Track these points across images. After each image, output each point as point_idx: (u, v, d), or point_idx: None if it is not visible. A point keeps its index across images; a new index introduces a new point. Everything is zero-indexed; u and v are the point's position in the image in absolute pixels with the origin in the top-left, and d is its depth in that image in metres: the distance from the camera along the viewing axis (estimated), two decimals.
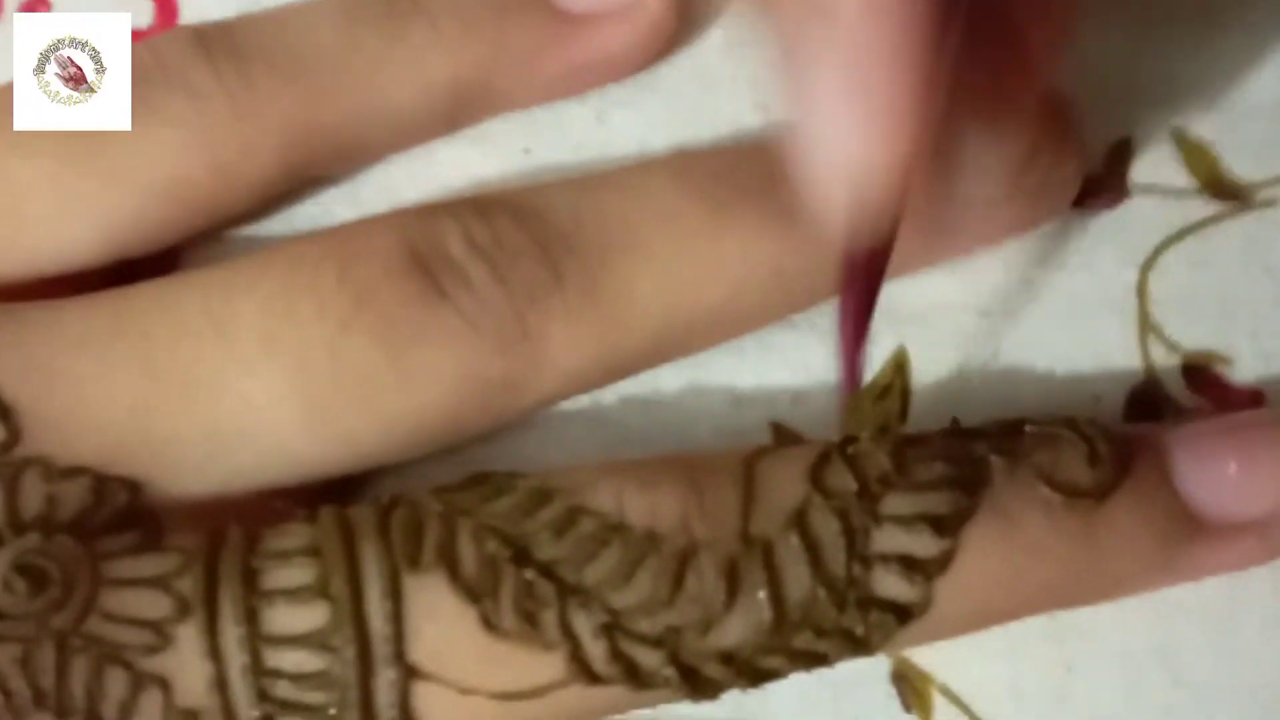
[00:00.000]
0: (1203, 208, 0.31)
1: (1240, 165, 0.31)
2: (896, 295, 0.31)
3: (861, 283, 0.25)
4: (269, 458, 0.28)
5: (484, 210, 0.29)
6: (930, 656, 0.30)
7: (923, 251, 0.30)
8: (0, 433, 0.27)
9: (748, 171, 0.29)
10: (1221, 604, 0.30)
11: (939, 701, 0.30)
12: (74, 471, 0.27)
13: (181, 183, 0.29)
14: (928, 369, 0.31)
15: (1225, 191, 0.31)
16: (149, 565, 0.26)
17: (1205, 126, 0.31)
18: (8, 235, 0.29)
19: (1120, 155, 0.32)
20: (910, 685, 0.30)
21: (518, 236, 0.28)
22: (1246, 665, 0.30)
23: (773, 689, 0.29)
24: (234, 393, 0.27)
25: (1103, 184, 0.31)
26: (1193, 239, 0.31)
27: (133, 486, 0.27)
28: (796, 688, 0.29)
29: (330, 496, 0.28)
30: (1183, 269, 0.31)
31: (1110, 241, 0.31)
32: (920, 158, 0.22)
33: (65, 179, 0.28)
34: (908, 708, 0.30)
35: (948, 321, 0.31)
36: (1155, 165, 0.31)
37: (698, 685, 0.26)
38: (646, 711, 0.29)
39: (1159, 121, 0.32)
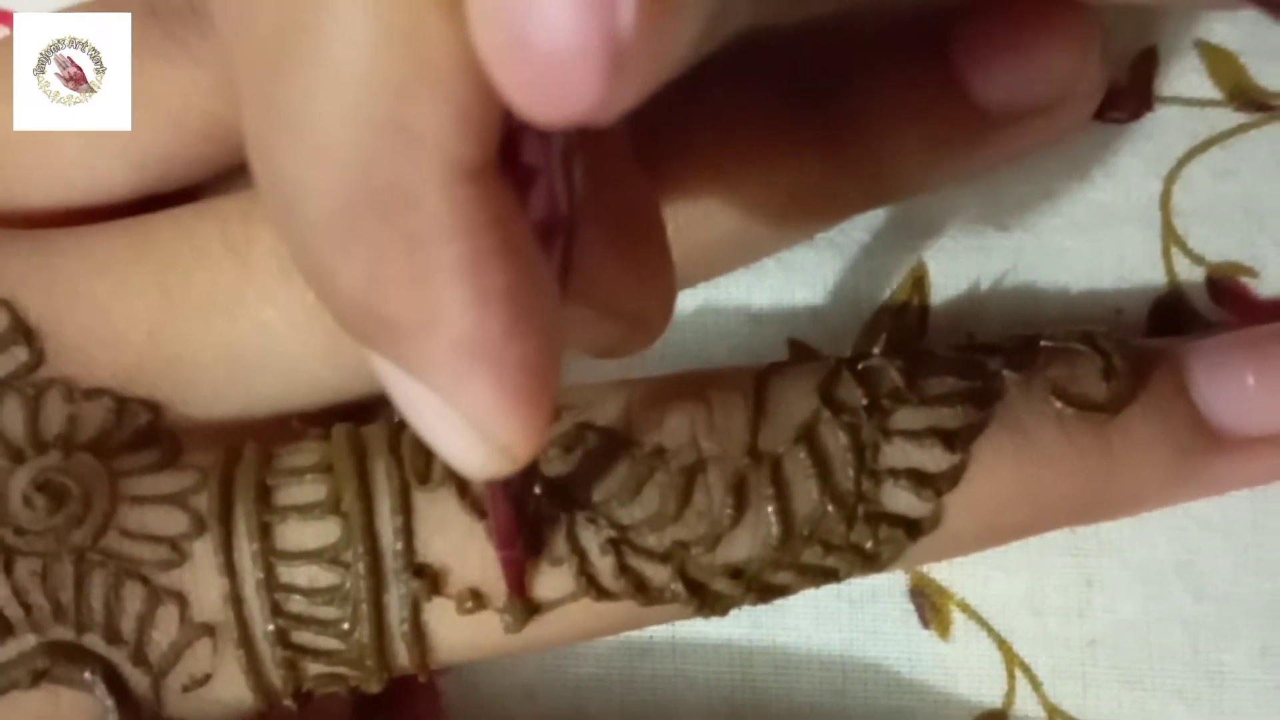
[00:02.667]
0: (1228, 117, 0.31)
1: (1267, 75, 0.31)
2: (915, 210, 0.31)
3: (505, 502, 0.25)
4: (288, 383, 0.28)
5: None
6: (948, 571, 0.30)
7: (941, 169, 0.30)
8: (24, 354, 0.27)
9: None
10: (1244, 518, 0.29)
11: (957, 617, 0.30)
12: (95, 392, 0.27)
13: (212, 121, 0.29)
14: (947, 284, 0.31)
15: (1251, 101, 0.31)
16: (166, 483, 0.26)
17: (1231, 36, 0.31)
18: (41, 169, 0.29)
19: (1145, 66, 0.31)
20: (928, 600, 0.30)
21: None
22: (1269, 580, 0.29)
23: (789, 604, 0.29)
24: (251, 319, 0.27)
25: (1127, 95, 0.31)
26: (1218, 149, 0.30)
27: (154, 408, 0.28)
28: (813, 603, 0.30)
29: (349, 417, 0.28)
30: (1207, 180, 0.30)
31: (1134, 153, 0.31)
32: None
33: None
34: (925, 623, 0.30)
35: (967, 236, 0.31)
36: (1180, 76, 0.31)
37: (706, 600, 0.26)
38: (664, 628, 0.30)
39: (1184, 31, 0.31)
